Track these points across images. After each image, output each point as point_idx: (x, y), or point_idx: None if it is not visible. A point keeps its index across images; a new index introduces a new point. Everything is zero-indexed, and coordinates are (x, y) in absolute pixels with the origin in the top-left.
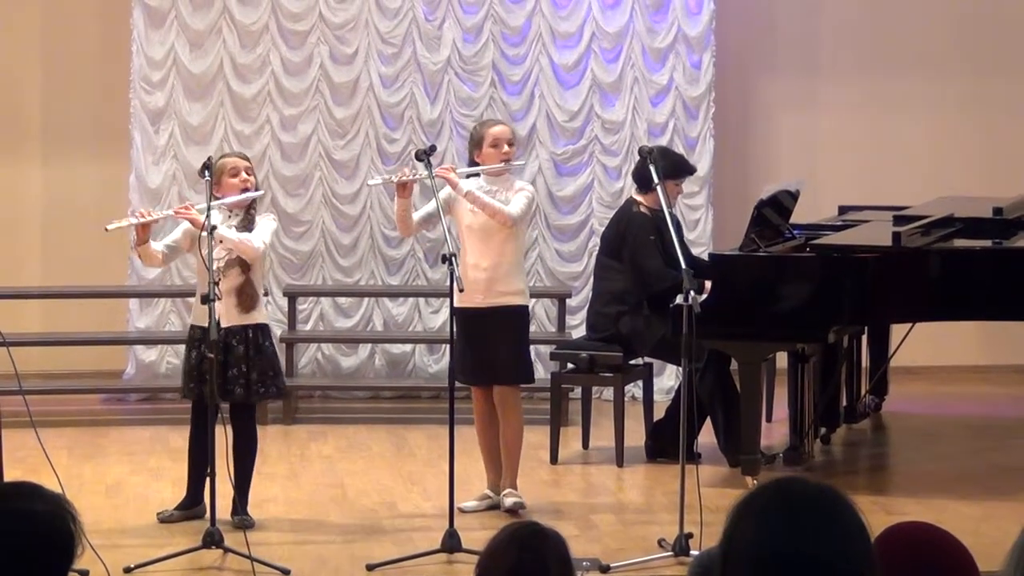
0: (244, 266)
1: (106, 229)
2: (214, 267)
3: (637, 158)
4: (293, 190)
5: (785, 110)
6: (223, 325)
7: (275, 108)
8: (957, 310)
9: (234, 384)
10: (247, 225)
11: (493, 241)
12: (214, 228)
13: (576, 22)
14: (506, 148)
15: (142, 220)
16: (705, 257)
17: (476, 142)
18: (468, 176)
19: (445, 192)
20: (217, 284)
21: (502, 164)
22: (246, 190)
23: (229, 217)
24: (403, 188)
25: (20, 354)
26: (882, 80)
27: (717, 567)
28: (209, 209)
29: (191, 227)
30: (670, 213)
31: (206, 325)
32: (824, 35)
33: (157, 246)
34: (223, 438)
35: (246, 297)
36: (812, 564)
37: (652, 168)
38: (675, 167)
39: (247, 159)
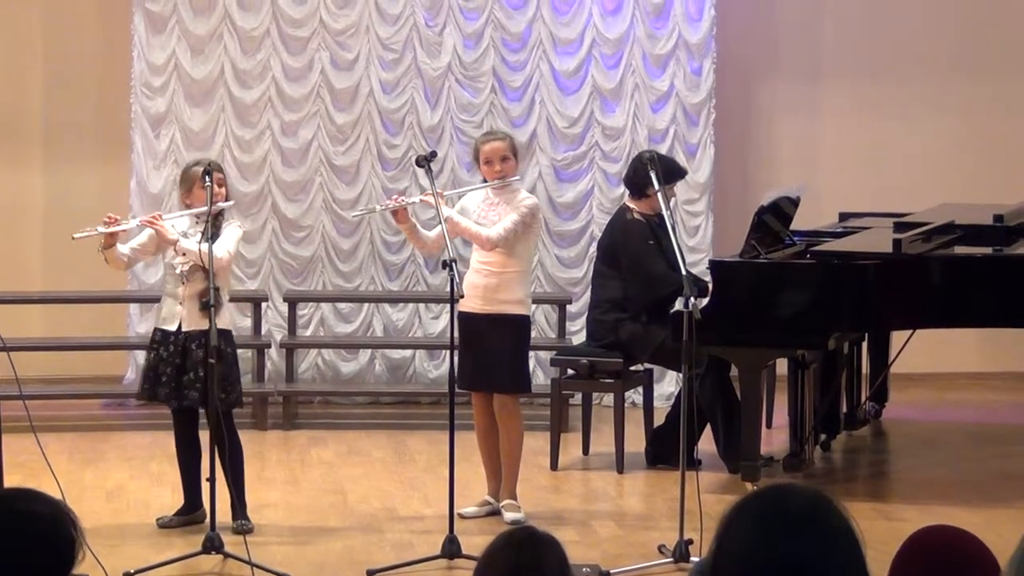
0: (208, 271)
1: (73, 237)
2: (179, 272)
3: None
4: (293, 195)
5: (786, 116)
6: (184, 329)
7: (276, 113)
8: (957, 317)
9: (190, 388)
10: (213, 234)
11: (498, 248)
12: (214, 236)
13: (577, 28)
14: (497, 166)
15: (109, 229)
16: (705, 264)
17: (475, 156)
18: (473, 194)
19: (457, 206)
20: (218, 290)
21: (495, 181)
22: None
23: (196, 224)
24: (396, 214)
25: (21, 359)
26: (883, 87)
27: (707, 574)
28: (209, 214)
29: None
30: (669, 217)
31: (168, 328)
32: (825, 42)
33: (123, 249)
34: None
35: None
36: (800, 572)
37: (653, 174)
38: (668, 172)
39: (220, 168)
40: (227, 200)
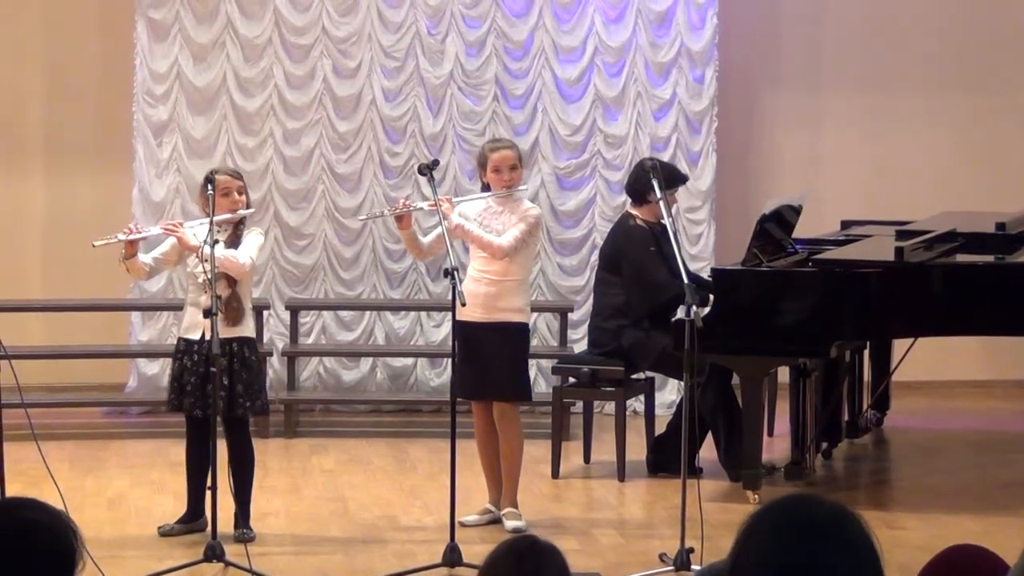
0: (230, 279)
1: (93, 245)
2: (201, 280)
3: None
4: (295, 204)
5: (788, 125)
6: (207, 338)
7: (278, 121)
8: (959, 325)
9: (217, 397)
10: (234, 241)
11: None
12: (216, 243)
13: (579, 36)
14: (507, 175)
15: (130, 237)
16: (707, 272)
17: (481, 163)
18: (478, 202)
19: (454, 212)
20: (221, 298)
21: (504, 191)
22: (235, 210)
23: (218, 233)
24: (400, 219)
25: (22, 367)
26: (885, 95)
27: None
28: (212, 223)
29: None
30: (671, 224)
31: (192, 338)
32: (827, 50)
33: (144, 259)
34: (223, 451)
35: (232, 310)
36: None
37: (655, 183)
38: (668, 177)
39: (240, 177)
40: (247, 208)
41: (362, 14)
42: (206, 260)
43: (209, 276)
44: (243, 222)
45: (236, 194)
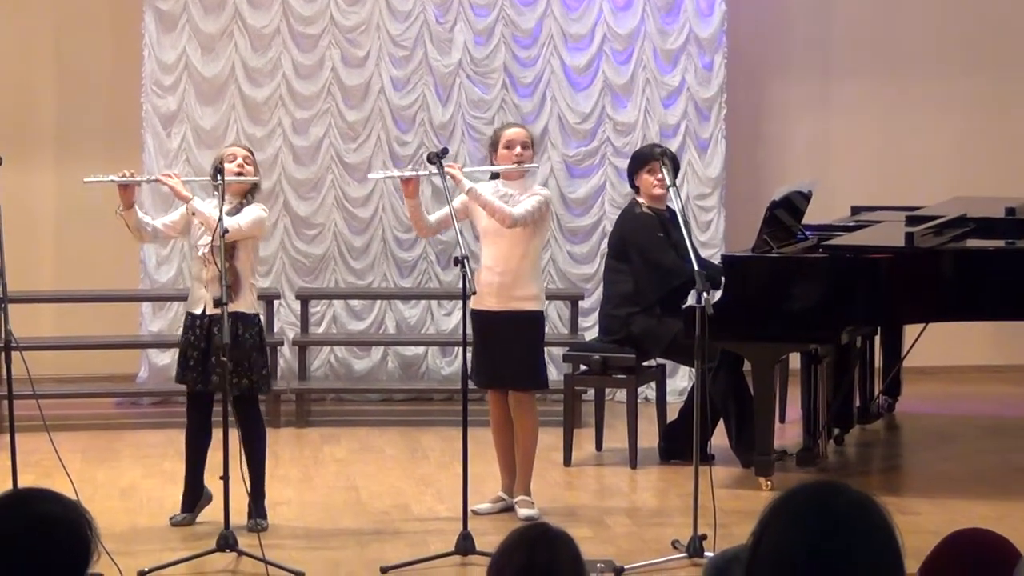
0: (229, 253)
1: (84, 181)
2: (201, 254)
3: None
4: (305, 193)
5: (797, 111)
6: (208, 312)
7: (287, 111)
8: (970, 310)
9: (213, 372)
10: (237, 212)
11: (508, 245)
12: (226, 231)
13: (587, 24)
14: (519, 150)
15: (123, 180)
16: (718, 258)
17: (493, 144)
18: (485, 176)
19: (461, 198)
20: (231, 287)
21: (513, 165)
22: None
23: (227, 204)
24: (408, 186)
25: (33, 358)
26: (894, 81)
27: (742, 563)
28: (221, 212)
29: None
30: (680, 208)
31: (194, 312)
32: (836, 36)
33: (147, 220)
34: (234, 440)
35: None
36: (839, 571)
37: (664, 172)
38: (634, 161)
39: (249, 151)
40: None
41: (370, 3)
42: (194, 213)
43: (217, 263)
44: (247, 197)
45: (244, 163)
